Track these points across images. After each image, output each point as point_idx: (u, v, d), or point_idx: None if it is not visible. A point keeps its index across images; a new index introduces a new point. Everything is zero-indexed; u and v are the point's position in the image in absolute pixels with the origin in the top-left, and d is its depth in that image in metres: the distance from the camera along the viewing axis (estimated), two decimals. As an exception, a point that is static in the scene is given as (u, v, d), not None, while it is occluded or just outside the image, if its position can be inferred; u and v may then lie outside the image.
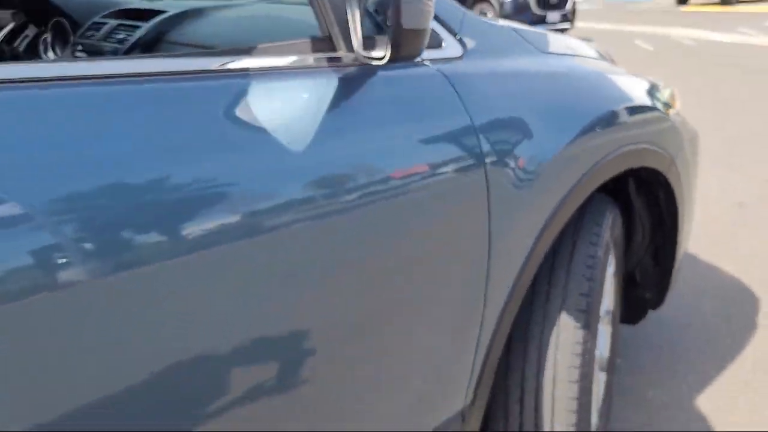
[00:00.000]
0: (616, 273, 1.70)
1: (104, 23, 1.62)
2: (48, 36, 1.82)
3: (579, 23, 13.30)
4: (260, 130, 0.87)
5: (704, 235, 2.94)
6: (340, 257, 0.93)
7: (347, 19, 0.97)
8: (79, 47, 1.62)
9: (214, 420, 0.83)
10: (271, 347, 0.88)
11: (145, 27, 1.43)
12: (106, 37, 1.53)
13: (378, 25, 1.02)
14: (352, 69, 1.01)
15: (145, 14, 1.53)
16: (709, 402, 1.93)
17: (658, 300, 1.93)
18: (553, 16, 11.48)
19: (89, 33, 1.65)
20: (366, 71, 1.02)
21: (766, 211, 3.42)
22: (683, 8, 20.16)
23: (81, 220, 0.68)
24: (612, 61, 1.89)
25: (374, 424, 1.10)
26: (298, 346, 0.92)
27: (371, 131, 0.99)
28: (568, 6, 11.82)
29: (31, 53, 1.83)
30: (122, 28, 1.52)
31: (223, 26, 1.48)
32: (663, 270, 1.89)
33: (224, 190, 0.80)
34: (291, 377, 0.92)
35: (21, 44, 1.86)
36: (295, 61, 0.99)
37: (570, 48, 1.65)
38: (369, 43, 0.98)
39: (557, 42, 1.59)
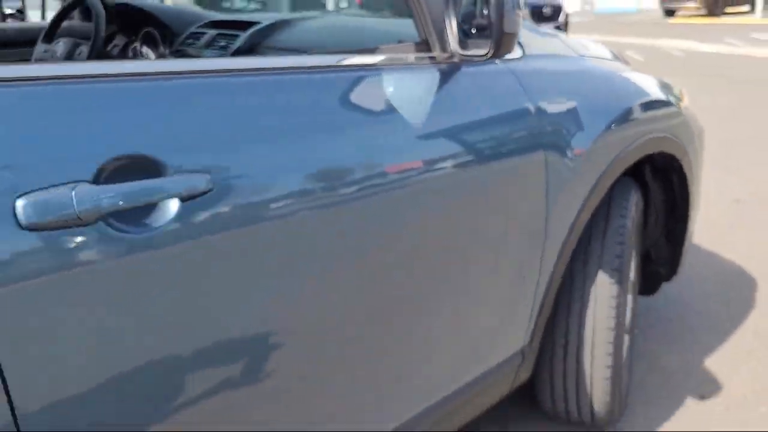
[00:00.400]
0: (637, 249, 1.97)
1: (203, 33, 1.89)
2: (137, 44, 2.08)
3: (571, 35, 13.62)
4: (372, 113, 1.14)
5: (705, 228, 3.21)
6: (446, 213, 1.21)
7: (444, 28, 1.24)
8: (181, 53, 1.88)
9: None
10: (387, 282, 1.15)
11: (243, 36, 1.69)
12: (209, 44, 1.79)
13: (464, 31, 1.29)
14: (444, 66, 1.28)
15: (238, 25, 1.79)
16: (714, 368, 2.19)
17: (670, 273, 2.20)
18: (546, 28, 11.82)
19: (189, 41, 1.91)
20: (455, 67, 1.29)
21: (761, 208, 3.71)
22: (671, 20, 20.64)
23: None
24: (626, 62, 2.16)
25: (461, 356, 1.37)
26: (405, 283, 1.19)
27: (462, 114, 1.26)
28: (561, 18, 12.21)
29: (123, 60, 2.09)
30: (222, 37, 1.78)
31: (311, 34, 1.75)
32: (674, 247, 2.16)
33: (353, 156, 1.06)
34: (397, 313, 1.18)
35: (111, 51, 2.12)
36: (399, 59, 1.25)
37: (596, 51, 1.93)
38: (462, 44, 1.25)
39: (587, 46, 1.87)
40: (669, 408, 1.99)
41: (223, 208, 0.87)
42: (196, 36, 1.90)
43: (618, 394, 1.78)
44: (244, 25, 1.76)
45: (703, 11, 20.82)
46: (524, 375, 1.60)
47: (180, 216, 0.83)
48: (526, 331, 1.51)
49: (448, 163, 1.21)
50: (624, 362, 1.84)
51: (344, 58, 1.20)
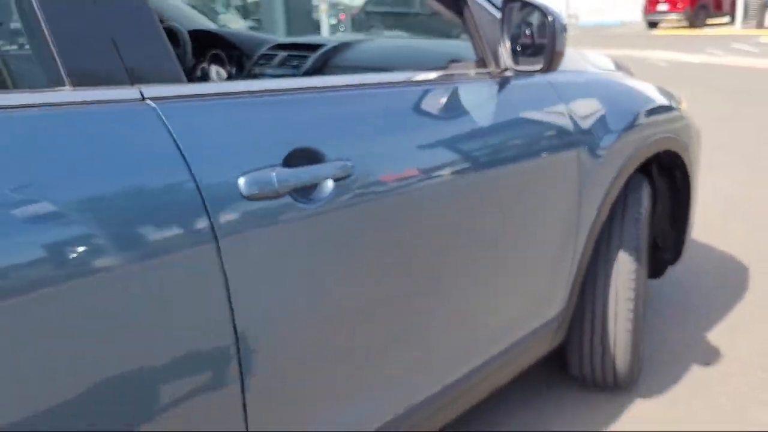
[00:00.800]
0: (647, 236, 2.28)
1: (274, 54, 2.19)
2: (205, 65, 2.37)
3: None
4: (443, 118, 1.44)
5: (699, 221, 3.53)
6: (503, 197, 1.51)
7: (498, 48, 1.55)
8: (256, 71, 2.18)
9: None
10: (472, 252, 1.45)
11: (313, 56, 1.99)
12: (281, 64, 2.09)
13: (513, 50, 1.59)
14: (499, 79, 1.58)
15: (305, 47, 2.10)
16: (715, 341, 2.50)
17: (675, 258, 2.52)
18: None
19: (261, 62, 2.21)
20: (507, 80, 1.59)
21: (747, 202, 4.05)
22: (654, 32, 21.16)
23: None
24: (629, 72, 2.48)
25: (513, 316, 1.67)
26: (481, 253, 1.49)
27: (516, 118, 1.57)
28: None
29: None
30: (293, 58, 2.08)
31: (370, 54, 2.06)
32: (678, 234, 2.47)
33: (441, 150, 1.37)
34: (472, 278, 1.49)
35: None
36: (463, 74, 1.56)
37: (604, 64, 2.24)
38: (514, 61, 1.55)
39: (602, 60, 2.19)
40: (678, 373, 2.28)
41: (361, 188, 1.18)
42: (267, 57, 2.21)
43: (636, 357, 2.08)
44: (311, 47, 2.06)
45: (684, 23, 21.38)
46: (559, 338, 1.90)
47: (334, 192, 1.13)
48: (562, 299, 1.81)
49: (506, 157, 1.51)
50: (641, 330, 2.14)
51: (417, 74, 1.50)
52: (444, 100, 1.44)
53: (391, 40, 2.17)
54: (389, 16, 13.99)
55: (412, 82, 1.44)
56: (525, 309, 1.72)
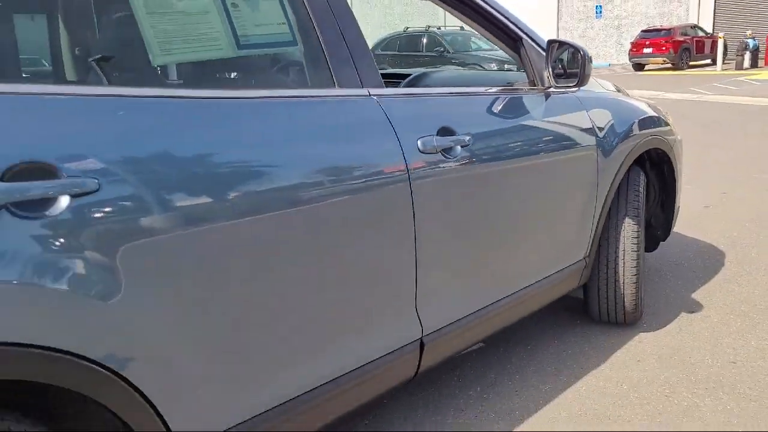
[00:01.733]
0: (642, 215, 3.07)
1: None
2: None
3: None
4: (514, 116, 2.24)
5: (684, 224, 4.35)
6: (549, 176, 2.31)
7: (543, 74, 2.36)
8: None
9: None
10: (529, 210, 2.24)
11: (406, 80, 2.79)
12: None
13: (553, 74, 2.40)
14: (543, 93, 2.40)
15: (394, 76, 2.90)
16: (698, 298, 3.27)
17: (665, 235, 3.31)
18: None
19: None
20: (549, 94, 2.40)
21: (723, 209, 4.87)
22: (640, 73, 22.34)
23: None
24: (626, 93, 3.29)
25: (556, 254, 2.45)
26: (536, 210, 2.28)
27: (556, 121, 2.37)
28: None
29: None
30: (389, 83, 2.88)
31: (449, 80, 2.88)
32: (667, 216, 3.27)
33: (517, 137, 2.17)
34: (528, 225, 2.28)
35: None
36: (521, 89, 2.37)
37: (607, 85, 3.06)
38: (555, 80, 2.37)
39: (607, 85, 3.01)
40: (669, 317, 3.05)
41: (479, 151, 1.98)
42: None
43: (640, 300, 2.85)
44: (399, 76, 2.87)
45: (669, 65, 22.63)
46: (585, 277, 2.68)
47: (462, 154, 1.93)
48: (587, 246, 2.59)
49: (550, 146, 2.31)
50: (642, 279, 2.92)
51: (494, 89, 2.31)
52: (512, 105, 2.25)
53: (459, 70, 2.97)
54: (396, 58, 15.09)
55: (492, 93, 2.25)
56: (564, 250, 2.51)
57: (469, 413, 2.32)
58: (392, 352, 1.80)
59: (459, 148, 1.92)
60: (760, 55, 21.56)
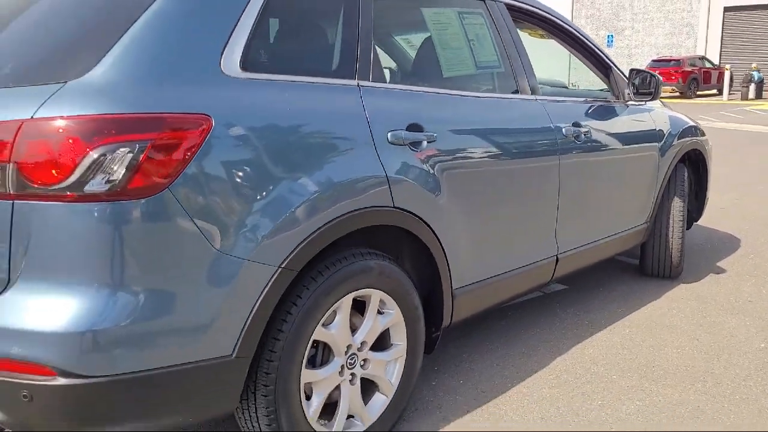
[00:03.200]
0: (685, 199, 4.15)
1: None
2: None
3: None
4: (609, 118, 3.34)
5: (706, 220, 5.44)
6: (630, 163, 3.42)
7: (624, 90, 3.47)
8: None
9: None
10: (617, 184, 3.35)
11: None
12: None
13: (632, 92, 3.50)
14: (624, 104, 3.50)
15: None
16: (721, 265, 4.33)
17: (698, 216, 4.41)
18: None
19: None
20: (628, 105, 3.50)
21: (736, 210, 5.97)
22: (650, 101, 23.47)
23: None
24: (669, 108, 4.38)
25: (629, 216, 3.55)
26: (620, 186, 3.38)
27: (634, 125, 3.48)
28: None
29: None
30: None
31: (576, 93, 3.97)
32: (699, 203, 4.37)
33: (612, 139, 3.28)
34: (615, 193, 3.38)
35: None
36: (609, 100, 3.48)
37: (660, 104, 4.15)
38: (633, 95, 3.48)
39: (656, 101, 4.11)
40: (700, 273, 4.13)
41: (594, 143, 3.07)
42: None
43: (682, 258, 3.93)
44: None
45: (677, 93, 23.81)
46: (645, 236, 3.76)
47: (582, 139, 3.02)
48: (649, 213, 3.69)
49: (630, 143, 3.41)
50: (684, 243, 3.98)
51: (589, 99, 3.40)
52: (605, 110, 3.35)
53: (553, 87, 4.08)
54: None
55: (600, 101, 3.35)
56: (636, 214, 3.60)
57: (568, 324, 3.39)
58: (542, 260, 2.88)
59: (583, 136, 3.00)
60: (765, 87, 22.71)
